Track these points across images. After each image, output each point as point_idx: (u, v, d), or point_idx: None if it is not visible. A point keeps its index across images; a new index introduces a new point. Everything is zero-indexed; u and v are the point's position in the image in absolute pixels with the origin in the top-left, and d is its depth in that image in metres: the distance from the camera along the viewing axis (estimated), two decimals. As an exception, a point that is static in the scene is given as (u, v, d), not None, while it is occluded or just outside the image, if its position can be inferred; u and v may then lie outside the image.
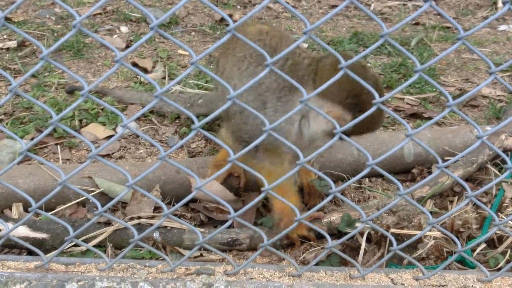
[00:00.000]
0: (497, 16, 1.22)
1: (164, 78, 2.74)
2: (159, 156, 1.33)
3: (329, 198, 1.43)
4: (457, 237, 1.80)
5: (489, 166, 2.12)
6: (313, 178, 2.01)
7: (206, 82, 2.68)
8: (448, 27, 3.53)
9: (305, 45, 3.12)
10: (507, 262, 1.70)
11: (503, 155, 1.41)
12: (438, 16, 3.79)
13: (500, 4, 3.99)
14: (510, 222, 1.82)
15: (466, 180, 2.12)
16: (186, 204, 1.99)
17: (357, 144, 1.39)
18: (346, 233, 1.75)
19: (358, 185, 2.15)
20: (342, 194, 2.09)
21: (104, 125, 2.38)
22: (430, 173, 2.17)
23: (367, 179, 2.18)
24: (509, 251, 1.74)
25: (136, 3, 1.24)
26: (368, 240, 1.82)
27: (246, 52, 1.81)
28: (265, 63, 1.24)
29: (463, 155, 1.38)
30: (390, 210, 1.78)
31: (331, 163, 2.13)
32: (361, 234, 1.80)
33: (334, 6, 3.76)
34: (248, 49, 1.81)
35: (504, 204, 1.98)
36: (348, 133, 1.47)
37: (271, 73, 1.56)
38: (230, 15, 3.43)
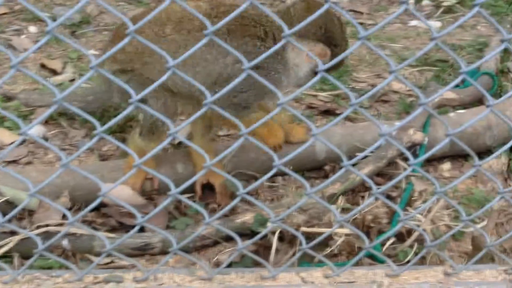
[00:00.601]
0: (394, 17, 1.23)
1: (73, 79, 2.68)
2: (60, 163, 1.29)
3: (237, 200, 1.42)
4: (368, 232, 1.83)
5: (398, 160, 2.16)
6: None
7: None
8: (361, 23, 3.59)
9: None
10: (416, 255, 1.73)
11: (406, 152, 1.43)
12: (351, 12, 3.84)
13: (411, 0, 4.08)
14: (417, 215, 1.86)
15: (377, 175, 2.15)
16: (98, 209, 1.95)
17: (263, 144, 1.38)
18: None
19: (271, 184, 2.15)
20: (255, 193, 2.09)
21: (11, 129, 2.30)
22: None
23: (280, 178, 2.19)
24: (416, 244, 1.78)
25: (30, 5, 1.20)
26: (283, 239, 1.82)
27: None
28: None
29: (367, 153, 1.41)
30: (301, 208, 1.79)
31: (244, 162, 2.12)
32: (274, 233, 1.80)
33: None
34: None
35: (413, 198, 2.02)
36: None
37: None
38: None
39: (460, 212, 1.51)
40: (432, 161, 2.33)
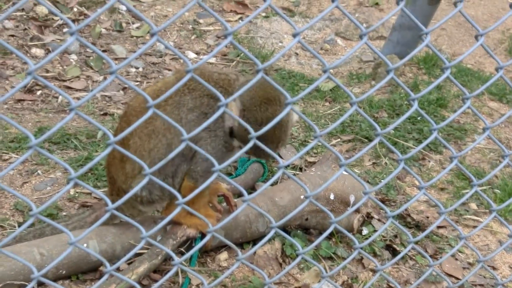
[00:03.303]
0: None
1: None
2: None
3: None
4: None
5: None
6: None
7: None
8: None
9: None
10: None
11: (171, 253, 1.42)
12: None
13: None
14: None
15: (154, 271, 2.12)
16: None
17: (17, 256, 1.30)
18: None
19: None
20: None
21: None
22: (118, 269, 2.13)
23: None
24: None
25: None
26: None
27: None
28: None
29: (131, 255, 1.38)
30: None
31: (12, 272, 1.99)
32: None
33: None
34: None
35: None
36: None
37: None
38: None
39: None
40: (210, 252, 2.35)
